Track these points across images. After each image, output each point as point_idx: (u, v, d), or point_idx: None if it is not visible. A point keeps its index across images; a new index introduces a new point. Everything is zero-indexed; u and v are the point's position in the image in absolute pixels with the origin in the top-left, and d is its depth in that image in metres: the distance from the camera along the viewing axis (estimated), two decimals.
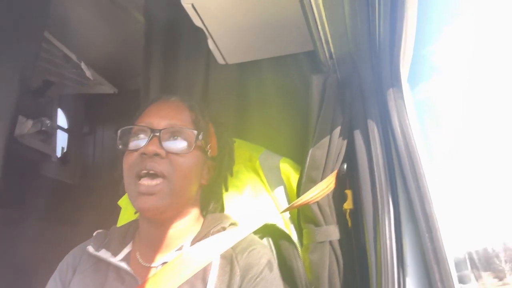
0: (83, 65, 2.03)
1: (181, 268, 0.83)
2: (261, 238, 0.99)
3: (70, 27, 1.90)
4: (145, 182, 0.83)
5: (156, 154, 0.85)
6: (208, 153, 0.94)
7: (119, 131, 0.90)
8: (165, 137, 0.87)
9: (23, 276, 1.73)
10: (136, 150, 0.87)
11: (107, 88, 2.30)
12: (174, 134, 0.89)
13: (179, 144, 0.88)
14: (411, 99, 0.99)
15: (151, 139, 0.86)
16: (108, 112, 2.48)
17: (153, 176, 0.84)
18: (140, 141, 0.88)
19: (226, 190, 1.06)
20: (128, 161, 0.87)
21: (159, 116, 0.90)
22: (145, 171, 0.84)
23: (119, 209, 1.25)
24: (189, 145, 0.89)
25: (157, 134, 0.86)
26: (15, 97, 1.33)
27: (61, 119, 2.41)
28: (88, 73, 2.08)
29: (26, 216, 1.93)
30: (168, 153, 0.86)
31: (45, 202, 2.05)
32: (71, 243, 0.99)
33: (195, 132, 0.89)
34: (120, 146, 0.90)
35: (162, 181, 0.84)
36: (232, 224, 0.95)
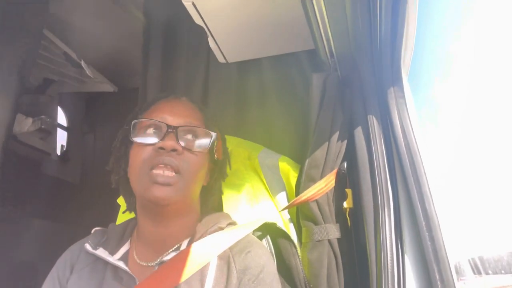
0: (83, 63, 2.03)
1: (179, 268, 0.83)
2: (260, 237, 0.99)
3: (70, 25, 1.90)
4: (161, 172, 0.84)
5: (174, 150, 0.85)
6: (215, 156, 0.95)
7: (132, 123, 0.90)
8: (181, 134, 0.88)
9: (23, 274, 1.73)
10: (151, 144, 0.87)
11: (107, 87, 2.30)
12: (190, 132, 0.90)
13: (195, 143, 0.89)
14: (412, 98, 0.99)
15: (167, 134, 0.86)
16: (108, 111, 2.48)
17: (169, 169, 0.84)
18: (153, 136, 0.88)
19: (222, 193, 1.06)
20: (141, 155, 0.87)
21: (174, 113, 0.91)
22: (162, 165, 0.84)
23: (118, 207, 1.25)
24: (204, 144, 0.90)
25: (174, 130, 0.87)
26: (14, 95, 1.33)
27: (61, 117, 2.41)
28: (88, 71, 2.08)
29: (25, 214, 1.93)
30: (184, 149, 0.87)
31: (45, 200, 2.05)
32: (71, 241, 0.99)
33: (212, 133, 0.91)
34: (133, 138, 0.89)
35: (176, 176, 0.85)
36: (230, 223, 0.94)
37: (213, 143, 0.92)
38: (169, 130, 0.87)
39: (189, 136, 0.89)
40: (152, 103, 0.96)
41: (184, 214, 0.91)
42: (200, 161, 0.90)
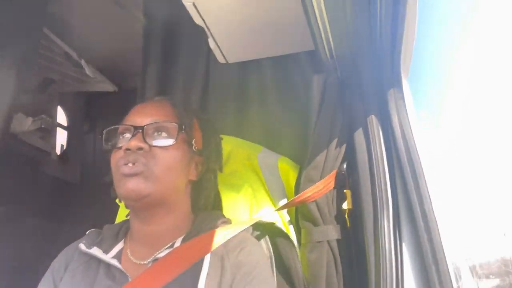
0: (83, 63, 2.03)
1: (172, 265, 0.83)
2: (259, 236, 0.99)
3: (71, 24, 1.89)
4: (127, 166, 0.86)
5: (140, 149, 0.86)
6: (194, 147, 0.95)
7: (104, 132, 0.93)
8: (149, 133, 0.90)
9: (21, 273, 1.72)
10: (121, 147, 0.89)
11: (108, 86, 2.30)
12: (158, 129, 0.91)
13: (163, 138, 0.90)
14: (412, 99, 0.99)
15: (134, 135, 0.88)
16: (108, 110, 2.47)
17: (136, 165, 0.86)
18: (125, 140, 0.90)
19: (216, 185, 1.06)
20: (115, 158, 0.89)
21: (142, 114, 0.92)
22: (130, 164, 0.86)
23: (118, 207, 1.25)
24: (172, 138, 0.90)
25: (140, 130, 0.88)
26: (12, 94, 1.33)
27: (61, 117, 2.41)
28: (89, 70, 2.08)
29: (25, 214, 1.93)
30: (152, 147, 0.88)
31: (44, 199, 2.05)
32: (70, 241, 0.99)
33: (177, 125, 0.91)
34: (108, 146, 0.92)
35: (144, 166, 0.86)
36: (224, 222, 0.95)
37: (187, 134, 0.93)
38: (136, 131, 0.88)
39: (158, 133, 0.90)
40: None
41: (169, 210, 0.91)
42: (172, 155, 0.90)
